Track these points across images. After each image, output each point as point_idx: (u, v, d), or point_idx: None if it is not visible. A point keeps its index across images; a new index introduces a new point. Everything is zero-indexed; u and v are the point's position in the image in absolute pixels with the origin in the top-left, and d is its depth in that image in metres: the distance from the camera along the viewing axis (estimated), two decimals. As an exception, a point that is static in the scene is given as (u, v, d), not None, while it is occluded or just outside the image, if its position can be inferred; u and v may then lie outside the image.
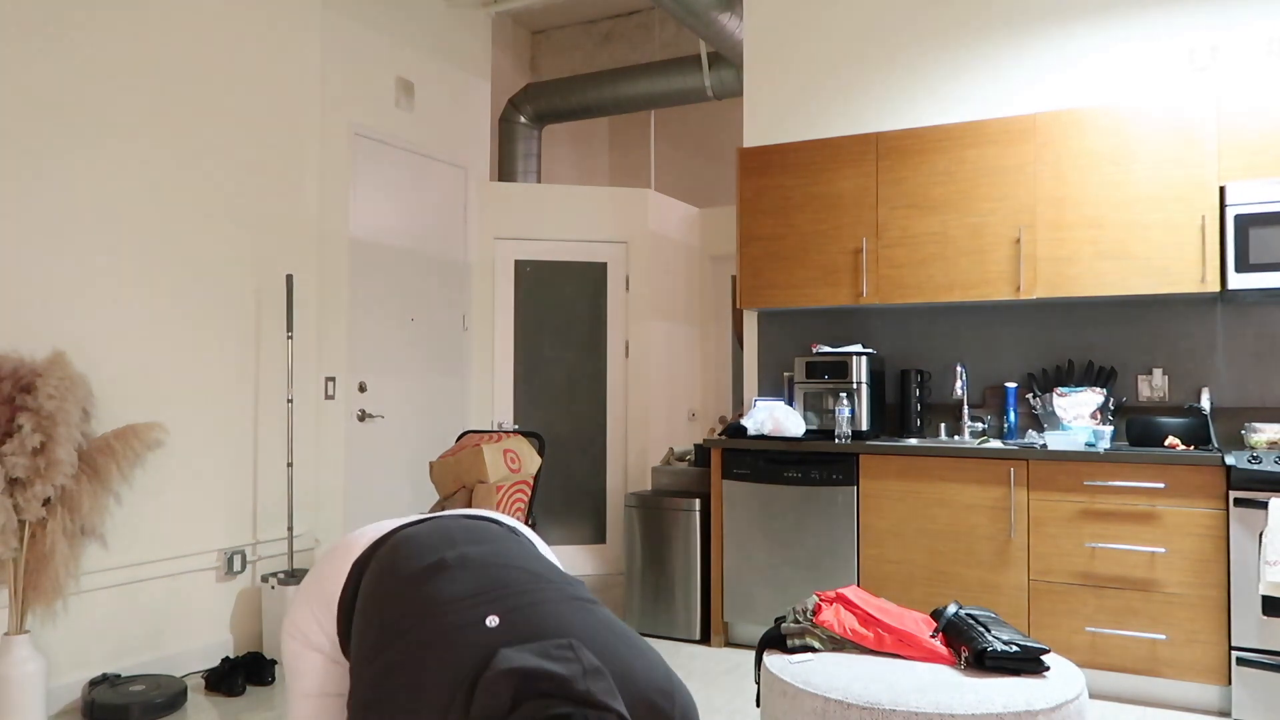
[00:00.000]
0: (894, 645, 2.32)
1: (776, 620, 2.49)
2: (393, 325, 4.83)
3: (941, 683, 2.12)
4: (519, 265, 5.55)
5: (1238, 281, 3.36)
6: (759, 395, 4.58)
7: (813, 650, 2.36)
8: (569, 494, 5.61)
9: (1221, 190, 3.46)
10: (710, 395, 6.40)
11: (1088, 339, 3.95)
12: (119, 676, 3.35)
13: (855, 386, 4.00)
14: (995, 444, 3.71)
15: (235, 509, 3.91)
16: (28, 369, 3.05)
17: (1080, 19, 3.94)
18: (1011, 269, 3.78)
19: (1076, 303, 3.92)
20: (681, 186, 6.85)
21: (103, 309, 3.43)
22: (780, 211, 4.23)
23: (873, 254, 4.04)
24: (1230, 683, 3.20)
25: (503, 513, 3.82)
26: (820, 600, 2.47)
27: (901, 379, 4.19)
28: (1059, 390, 3.83)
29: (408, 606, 1.34)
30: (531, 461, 3.99)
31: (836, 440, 3.91)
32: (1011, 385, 3.94)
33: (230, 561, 3.85)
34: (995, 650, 2.19)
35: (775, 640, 2.46)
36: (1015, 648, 2.19)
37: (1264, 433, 3.42)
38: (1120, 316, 3.90)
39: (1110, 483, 3.39)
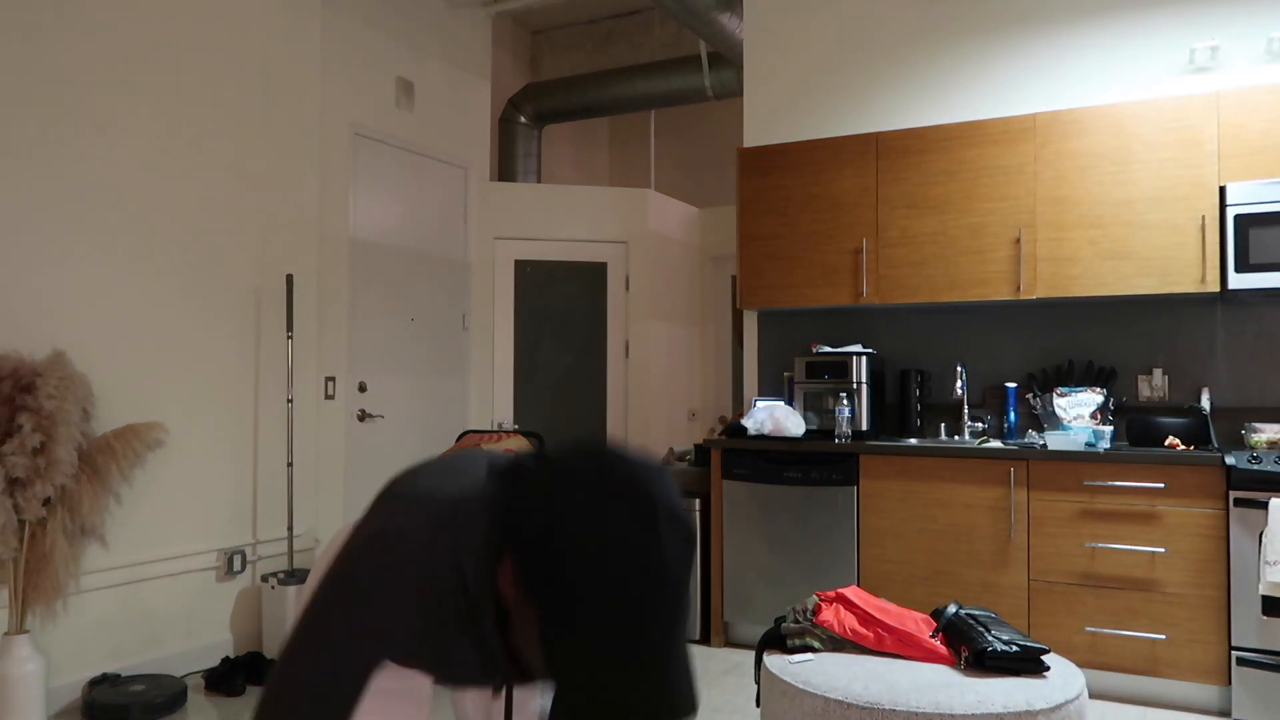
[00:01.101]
0: (894, 645, 2.32)
1: (776, 620, 2.49)
2: (393, 325, 4.83)
3: (941, 683, 2.12)
4: (519, 265, 5.55)
5: (1238, 281, 3.36)
6: (759, 395, 4.58)
7: (813, 650, 2.36)
8: (569, 494, 5.59)
9: (1221, 190, 3.46)
10: (710, 395, 6.40)
11: (1088, 339, 3.95)
12: (119, 676, 3.35)
13: (855, 386, 4.00)
14: (995, 444, 3.71)
15: (235, 509, 3.91)
16: (28, 369, 3.05)
17: (1080, 19, 3.94)
18: (1011, 269, 3.78)
19: (1077, 303, 3.92)
20: (681, 186, 6.85)
21: (103, 309, 3.43)
22: (780, 211, 4.23)
23: (873, 254, 4.04)
24: (1230, 683, 3.20)
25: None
26: (820, 600, 2.47)
27: (901, 379, 4.19)
28: (1059, 390, 3.83)
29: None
30: (531, 461, 3.98)
31: (836, 440, 3.91)
32: (1011, 385, 3.94)
33: (230, 561, 3.85)
34: (995, 650, 2.19)
35: (775, 640, 2.46)
36: (1015, 648, 2.20)
37: (1264, 433, 3.42)
38: (1120, 316, 3.90)
39: (1110, 483, 3.39)
